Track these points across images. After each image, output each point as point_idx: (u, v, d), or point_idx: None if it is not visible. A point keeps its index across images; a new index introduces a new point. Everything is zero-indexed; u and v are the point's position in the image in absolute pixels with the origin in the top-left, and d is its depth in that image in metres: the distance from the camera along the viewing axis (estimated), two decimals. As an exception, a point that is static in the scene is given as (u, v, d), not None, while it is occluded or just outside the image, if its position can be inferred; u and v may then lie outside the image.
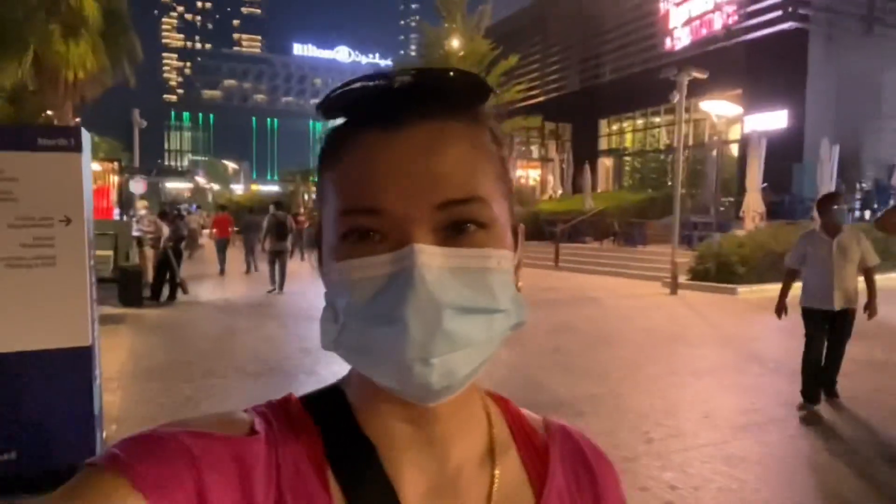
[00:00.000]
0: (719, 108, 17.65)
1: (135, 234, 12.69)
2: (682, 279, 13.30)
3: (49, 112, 17.92)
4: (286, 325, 9.31)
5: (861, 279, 5.31)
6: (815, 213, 5.86)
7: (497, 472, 0.56)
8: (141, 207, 17.58)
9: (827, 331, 5.28)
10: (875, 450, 4.49)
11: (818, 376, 5.28)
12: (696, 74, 12.52)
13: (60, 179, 3.83)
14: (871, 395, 5.72)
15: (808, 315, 5.30)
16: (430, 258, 0.45)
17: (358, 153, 0.48)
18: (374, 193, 0.46)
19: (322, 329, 0.50)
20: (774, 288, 12.20)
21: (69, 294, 3.89)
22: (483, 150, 0.50)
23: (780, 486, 3.89)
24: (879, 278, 5.59)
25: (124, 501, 0.41)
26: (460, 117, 0.50)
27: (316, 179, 0.54)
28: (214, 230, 16.69)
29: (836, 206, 5.42)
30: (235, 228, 18.31)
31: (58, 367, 3.86)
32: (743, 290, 12.36)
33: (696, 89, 18.84)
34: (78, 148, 3.88)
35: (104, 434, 4.33)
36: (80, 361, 3.94)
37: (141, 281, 11.11)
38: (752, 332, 8.90)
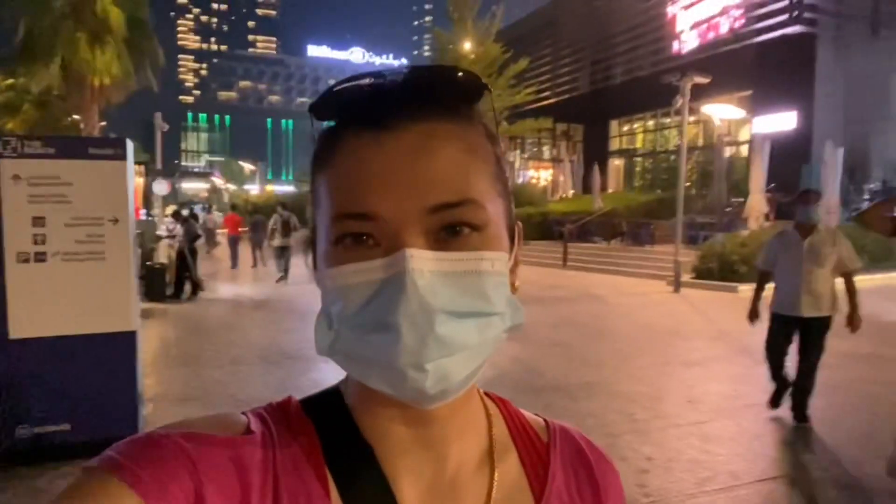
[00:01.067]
0: (722, 111, 17.97)
1: (159, 233, 13.29)
2: (686, 278, 13.68)
3: (76, 116, 18.63)
4: (304, 318, 9.82)
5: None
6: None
7: (496, 473, 0.55)
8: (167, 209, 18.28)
9: (797, 341, 4.90)
10: (847, 434, 4.89)
11: (784, 381, 4.99)
12: (699, 79, 12.88)
13: (109, 184, 4.35)
14: (849, 384, 6.11)
15: (775, 321, 4.99)
16: (422, 263, 0.45)
17: (349, 156, 0.48)
18: (366, 198, 0.46)
19: (317, 335, 0.49)
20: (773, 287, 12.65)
21: (116, 285, 4.41)
22: (477, 150, 0.49)
23: (749, 461, 4.31)
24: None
25: (122, 503, 0.42)
26: (453, 117, 0.49)
27: (310, 182, 0.53)
28: (226, 229, 17.99)
29: (809, 205, 4.79)
30: (244, 228, 19.37)
31: (106, 349, 4.38)
32: (744, 288, 12.69)
33: (705, 91, 19.15)
34: (123, 156, 4.41)
35: (144, 411, 4.85)
36: (125, 344, 4.47)
37: (165, 278, 11.70)
38: (747, 327, 9.24)
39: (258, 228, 17.00)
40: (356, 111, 0.48)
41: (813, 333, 4.76)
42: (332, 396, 0.56)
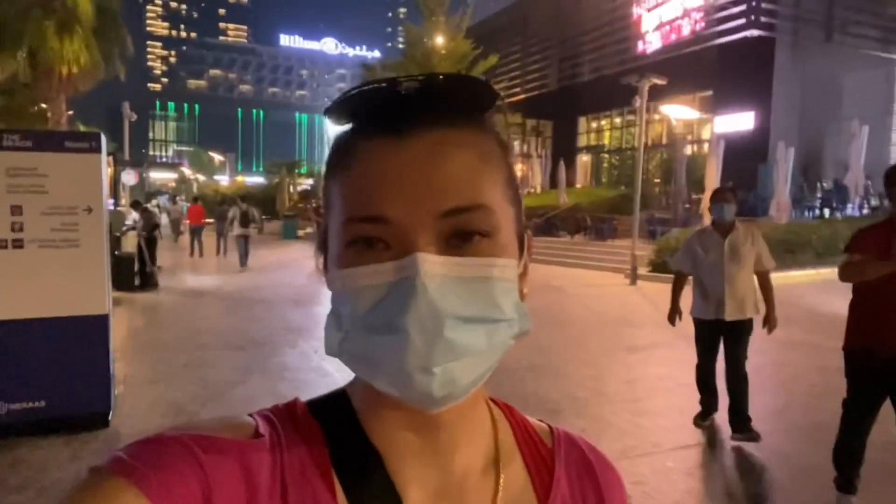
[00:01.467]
0: (678, 111, 18.66)
1: (127, 223, 13.41)
2: (644, 271, 14.25)
3: (43, 105, 18.51)
4: (272, 308, 10.11)
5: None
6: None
7: (502, 479, 0.56)
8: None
9: (722, 346, 4.67)
10: (763, 408, 5.40)
11: (714, 390, 4.81)
12: (657, 80, 13.42)
13: (83, 175, 4.63)
14: (774, 367, 6.66)
15: (699, 327, 4.76)
16: (433, 267, 0.45)
17: (363, 161, 0.49)
18: (379, 202, 0.47)
19: (326, 335, 0.50)
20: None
21: (90, 271, 4.70)
22: (489, 157, 0.50)
23: (671, 431, 4.79)
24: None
25: None
26: (467, 124, 0.50)
27: (322, 185, 0.54)
28: (187, 220, 19.07)
29: (724, 203, 4.53)
30: (209, 220, 20.27)
31: (80, 331, 4.67)
32: (696, 280, 13.33)
33: (667, 91, 19.85)
34: (98, 149, 4.69)
35: (116, 391, 5.13)
36: (98, 326, 4.75)
37: (133, 267, 11.86)
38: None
39: (222, 219, 18.04)
40: (371, 116, 0.49)
41: (739, 337, 4.54)
42: (338, 400, 0.56)
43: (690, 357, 7.11)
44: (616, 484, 0.63)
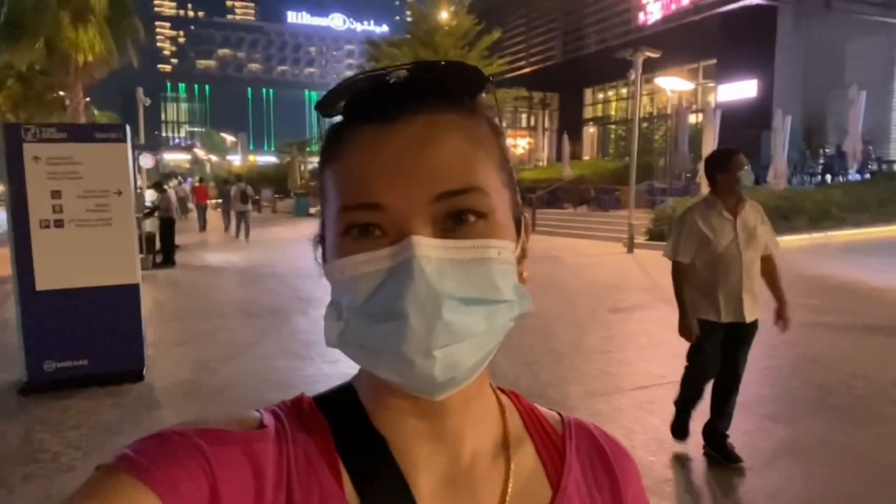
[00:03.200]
0: (673, 83, 19.02)
1: (147, 205, 14.16)
2: (641, 240, 14.80)
3: (61, 93, 19.22)
4: (284, 280, 10.80)
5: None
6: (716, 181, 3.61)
7: (512, 464, 0.56)
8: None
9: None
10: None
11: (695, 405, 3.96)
12: (650, 54, 13.80)
13: (112, 162, 5.28)
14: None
15: (706, 332, 3.68)
16: (429, 250, 0.45)
17: (355, 149, 0.49)
18: (372, 188, 0.47)
19: (326, 326, 0.50)
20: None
21: (121, 246, 5.38)
22: (481, 140, 0.50)
23: (633, 375, 5.41)
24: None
25: (138, 502, 0.42)
26: (457, 108, 0.50)
27: (318, 176, 0.54)
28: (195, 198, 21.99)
29: (737, 170, 3.54)
30: (217, 200, 23.59)
31: (116, 298, 5.36)
32: (691, 247, 13.84)
33: (669, 61, 20.12)
34: (124, 139, 5.33)
35: (147, 352, 5.83)
36: (130, 294, 5.45)
37: (155, 246, 12.61)
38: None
39: (227, 198, 19.82)
40: (361, 106, 0.50)
41: (746, 341, 3.73)
42: (344, 393, 0.56)
43: (667, 317, 7.71)
44: (632, 471, 0.62)
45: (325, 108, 0.52)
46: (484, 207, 0.48)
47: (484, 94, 0.54)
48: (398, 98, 0.49)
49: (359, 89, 0.51)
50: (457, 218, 0.47)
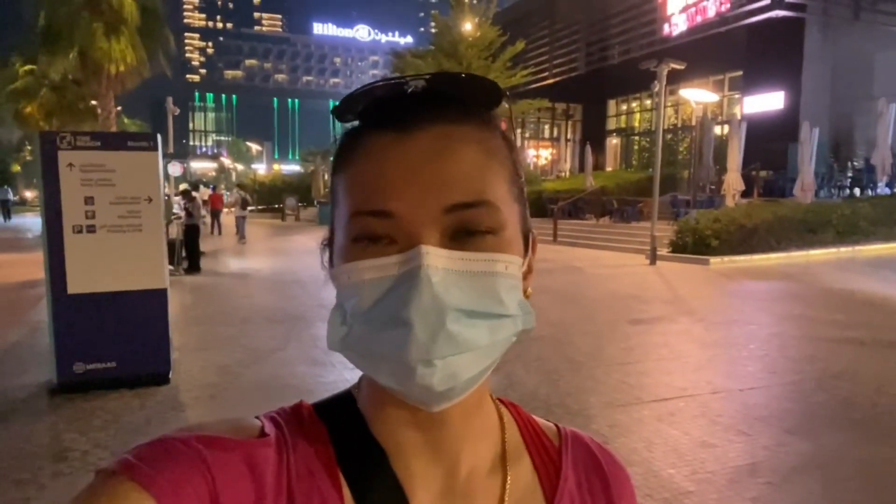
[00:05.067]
0: (698, 95, 18.93)
1: (175, 211, 14.44)
2: (664, 252, 14.69)
3: (93, 102, 19.70)
4: (305, 287, 10.92)
5: None
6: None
7: (509, 477, 0.56)
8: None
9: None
10: (748, 369, 5.97)
11: None
12: (675, 65, 13.75)
13: (143, 170, 5.41)
14: (770, 337, 7.16)
15: None
16: (437, 260, 0.45)
17: (369, 156, 0.49)
18: (384, 196, 0.47)
19: (329, 329, 0.50)
20: (743, 259, 13.79)
21: (151, 251, 5.51)
22: (494, 154, 0.51)
23: (655, 387, 5.39)
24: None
25: None
26: (471, 120, 0.50)
27: (330, 180, 0.54)
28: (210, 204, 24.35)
29: None
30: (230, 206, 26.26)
31: (144, 302, 5.48)
32: (714, 260, 13.73)
33: (694, 73, 20.03)
34: (155, 148, 5.47)
35: (173, 356, 5.94)
36: (158, 299, 5.57)
37: (181, 252, 12.83)
38: (701, 293, 10.35)
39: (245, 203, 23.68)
40: (377, 113, 0.50)
41: None
42: (344, 401, 0.57)
43: (689, 329, 7.68)
44: (625, 482, 0.63)
45: (341, 113, 0.53)
46: (494, 222, 0.48)
47: (502, 107, 0.54)
48: (415, 107, 0.49)
49: (376, 97, 0.51)
50: (467, 230, 0.48)
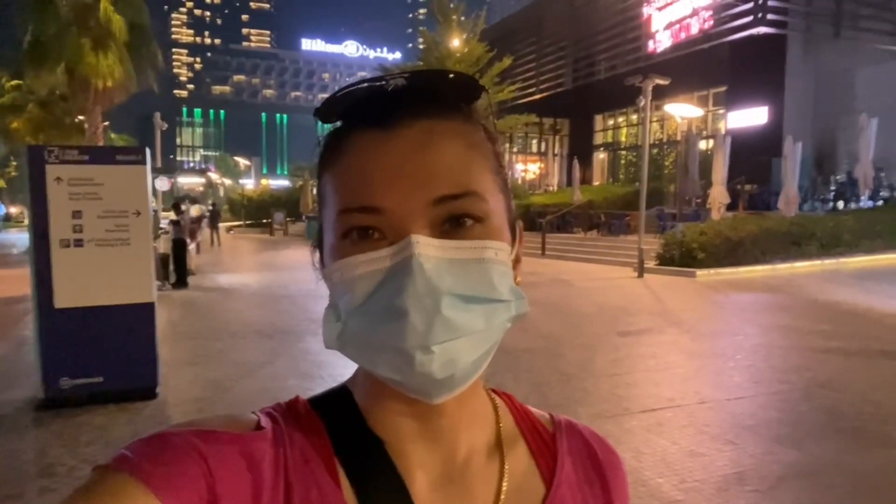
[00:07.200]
0: (682, 110, 19.19)
1: (162, 226, 14.37)
2: (651, 265, 14.79)
3: (80, 117, 19.63)
4: (295, 301, 10.90)
5: None
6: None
7: (507, 463, 0.57)
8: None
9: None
10: (734, 380, 6.02)
11: None
12: (659, 81, 13.94)
13: (132, 184, 5.41)
14: (756, 347, 7.22)
15: None
16: (427, 249, 0.46)
17: (355, 154, 0.50)
18: (371, 192, 0.48)
19: (324, 328, 0.51)
20: (729, 271, 13.90)
21: (139, 265, 5.49)
22: (477, 147, 0.51)
23: (644, 398, 5.42)
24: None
25: (137, 501, 0.42)
26: (453, 115, 0.51)
27: (316, 182, 0.55)
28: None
29: None
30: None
31: (131, 316, 5.46)
32: (701, 273, 13.84)
33: (679, 88, 20.28)
34: (143, 162, 5.48)
35: (161, 370, 5.91)
36: (146, 313, 5.54)
37: (169, 266, 12.76)
38: (688, 305, 10.42)
39: (215, 217, 27.21)
40: (361, 112, 0.51)
41: None
42: (339, 394, 0.57)
43: (677, 340, 7.73)
44: (618, 467, 0.64)
45: (324, 114, 0.53)
46: (481, 211, 0.49)
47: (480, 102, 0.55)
48: (397, 105, 0.50)
49: (358, 96, 0.51)
50: (455, 221, 0.48)
